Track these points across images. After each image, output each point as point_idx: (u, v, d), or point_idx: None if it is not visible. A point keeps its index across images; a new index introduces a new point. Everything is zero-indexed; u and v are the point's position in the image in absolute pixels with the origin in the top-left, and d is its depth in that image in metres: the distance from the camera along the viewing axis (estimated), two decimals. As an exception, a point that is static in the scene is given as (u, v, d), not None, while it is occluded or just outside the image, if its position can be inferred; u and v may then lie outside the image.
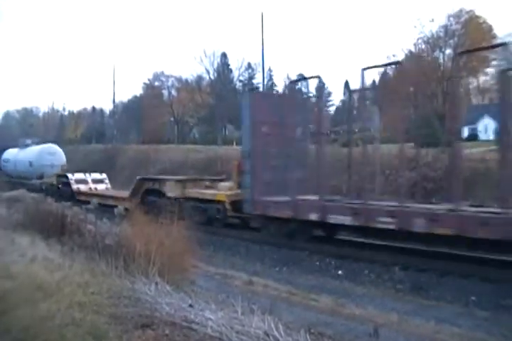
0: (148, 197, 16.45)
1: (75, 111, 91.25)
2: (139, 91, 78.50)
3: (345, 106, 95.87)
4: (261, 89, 53.09)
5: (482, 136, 48.81)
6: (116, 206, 12.63)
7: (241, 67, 72.91)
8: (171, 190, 15.36)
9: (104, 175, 23.24)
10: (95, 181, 22.40)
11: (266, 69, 62.30)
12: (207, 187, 15.29)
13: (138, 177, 17.70)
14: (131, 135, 65.41)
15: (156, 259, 6.08)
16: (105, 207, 14.82)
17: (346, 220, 9.98)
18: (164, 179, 16.60)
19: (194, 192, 14.89)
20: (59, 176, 23.73)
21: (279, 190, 11.74)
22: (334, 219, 10.24)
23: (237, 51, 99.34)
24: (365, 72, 11.00)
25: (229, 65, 73.12)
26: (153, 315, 4.55)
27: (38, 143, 32.40)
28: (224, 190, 14.00)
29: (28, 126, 75.48)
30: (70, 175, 22.40)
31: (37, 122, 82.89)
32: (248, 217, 13.14)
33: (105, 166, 29.30)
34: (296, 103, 14.54)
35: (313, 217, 10.68)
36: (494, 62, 42.46)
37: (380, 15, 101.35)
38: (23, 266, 6.16)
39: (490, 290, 7.42)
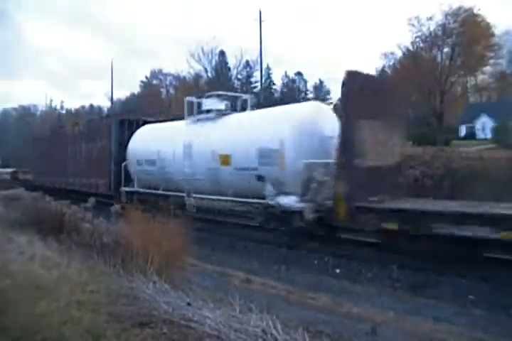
0: (16, 180, 34.37)
1: (72, 109, 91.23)
2: (136, 89, 78.54)
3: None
4: (259, 87, 53.03)
5: (480, 135, 48.96)
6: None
7: (239, 65, 72.83)
8: (22, 176, 34.06)
9: (10, 169, 39.68)
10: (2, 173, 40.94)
11: (264, 67, 62.36)
12: None
13: (12, 170, 38.43)
14: (129, 133, 65.24)
15: (154, 258, 6.08)
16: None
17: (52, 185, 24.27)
18: (18, 170, 36.36)
19: (27, 176, 31.65)
20: None
21: (48, 174, 24.81)
22: (59, 185, 23.02)
23: (235, 49, 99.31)
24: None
25: (227, 63, 72.98)
26: (151, 314, 4.56)
27: None
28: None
29: (25, 125, 75.32)
30: None
31: (34, 120, 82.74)
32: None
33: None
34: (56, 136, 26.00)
35: (57, 185, 23.35)
36: (492, 61, 42.56)
37: (379, 13, 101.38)
38: (21, 265, 6.16)
39: (488, 289, 7.44)
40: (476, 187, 13.48)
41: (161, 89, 73.10)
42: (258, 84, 68.14)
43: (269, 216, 11.25)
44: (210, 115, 13.78)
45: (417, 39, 40.45)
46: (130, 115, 19.80)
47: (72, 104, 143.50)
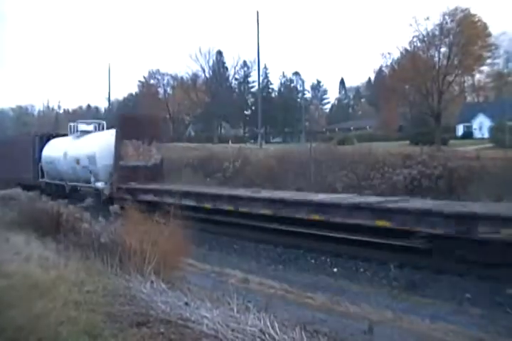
0: None
1: (70, 110, 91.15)
2: (134, 89, 78.52)
3: (341, 104, 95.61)
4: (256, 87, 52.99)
5: (477, 134, 49.06)
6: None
7: (236, 65, 72.84)
8: None
9: None
10: None
11: (261, 67, 62.40)
12: None
13: None
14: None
15: (152, 257, 6.08)
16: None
17: None
18: None
19: None
20: None
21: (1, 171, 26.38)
22: (7, 179, 24.80)
23: (233, 49, 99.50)
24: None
25: (224, 63, 72.98)
26: (148, 314, 4.55)
27: None
28: None
29: (21, 125, 75.22)
30: None
31: (32, 120, 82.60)
32: None
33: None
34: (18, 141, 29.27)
35: (6, 179, 24.90)
36: (489, 61, 42.63)
37: (376, 13, 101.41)
38: (18, 265, 6.15)
39: (485, 288, 7.45)
40: (473, 186, 13.51)
41: (159, 89, 73.07)
42: (255, 83, 68.12)
43: (94, 194, 18.84)
44: (78, 134, 21.77)
45: (415, 39, 40.50)
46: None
47: (70, 104, 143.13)
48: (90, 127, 22.18)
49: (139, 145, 17.99)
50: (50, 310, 4.35)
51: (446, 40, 38.87)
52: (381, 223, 9.10)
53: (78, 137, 21.39)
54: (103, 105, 78.51)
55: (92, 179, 18.63)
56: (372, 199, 10.76)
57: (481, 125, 49.81)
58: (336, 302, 6.94)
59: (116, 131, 17.88)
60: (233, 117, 73.79)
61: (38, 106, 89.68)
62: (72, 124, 23.07)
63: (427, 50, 40.08)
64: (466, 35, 38.25)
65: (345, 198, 11.00)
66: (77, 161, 19.81)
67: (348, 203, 10.03)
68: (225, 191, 13.62)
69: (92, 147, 19.01)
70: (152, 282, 5.63)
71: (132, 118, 20.14)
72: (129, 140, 17.79)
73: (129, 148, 17.74)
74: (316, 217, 10.23)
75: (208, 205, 13.09)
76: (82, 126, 22.23)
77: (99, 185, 18.12)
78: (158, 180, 17.63)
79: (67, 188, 21.27)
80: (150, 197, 15.28)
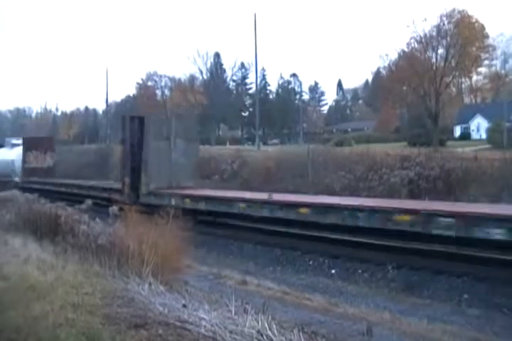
0: None
1: (67, 112, 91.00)
2: (132, 91, 78.52)
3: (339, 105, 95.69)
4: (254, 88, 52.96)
5: (474, 135, 49.16)
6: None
7: (234, 66, 72.93)
8: None
9: None
10: None
11: (259, 69, 62.47)
12: None
13: None
14: (125, 135, 65.17)
15: (150, 259, 6.07)
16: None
17: None
18: None
19: None
20: None
21: None
22: None
23: (231, 51, 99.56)
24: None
25: (222, 65, 73.04)
26: (146, 315, 4.54)
27: None
28: None
29: (19, 126, 75.14)
30: None
31: (29, 122, 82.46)
32: None
33: (98, 165, 29.57)
34: None
35: None
36: (486, 62, 42.77)
37: (374, 15, 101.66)
38: (15, 267, 6.14)
39: (482, 288, 7.47)
40: (471, 186, 13.55)
41: (157, 91, 73.09)
42: (253, 85, 68.18)
43: (15, 185, 26.54)
44: (11, 146, 32.30)
45: (412, 40, 40.63)
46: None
47: (67, 106, 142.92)
48: (19, 141, 32.76)
49: (37, 155, 29.16)
50: (47, 313, 4.35)
51: (444, 41, 39.01)
52: (90, 193, 17.65)
53: (11, 148, 32.53)
54: (101, 107, 78.31)
55: (13, 175, 29.37)
56: (95, 183, 20.00)
57: (479, 126, 49.91)
58: (334, 303, 6.94)
59: (22, 146, 29.83)
60: (231, 119, 73.78)
61: (36, 108, 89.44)
62: (7, 139, 35.69)
63: (425, 51, 40.22)
64: (463, 36, 38.40)
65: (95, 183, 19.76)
66: (7, 164, 30.46)
67: (84, 185, 19.77)
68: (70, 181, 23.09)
69: (13, 155, 30.52)
70: (150, 284, 5.62)
71: (32, 138, 33.87)
72: (31, 151, 29.01)
73: (30, 156, 29.00)
74: (75, 191, 19.84)
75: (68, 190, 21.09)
76: (14, 141, 33.83)
77: (16, 179, 28.75)
78: (50, 176, 26.86)
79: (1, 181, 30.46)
80: (41, 186, 23.99)
